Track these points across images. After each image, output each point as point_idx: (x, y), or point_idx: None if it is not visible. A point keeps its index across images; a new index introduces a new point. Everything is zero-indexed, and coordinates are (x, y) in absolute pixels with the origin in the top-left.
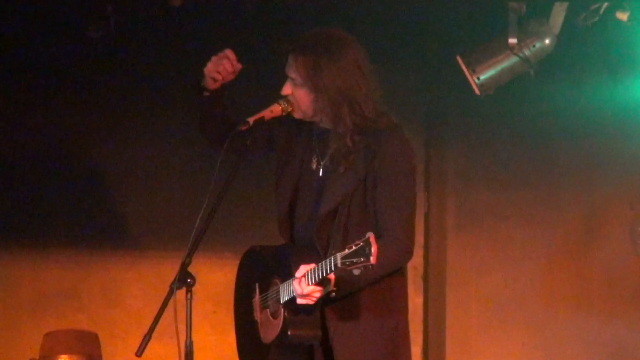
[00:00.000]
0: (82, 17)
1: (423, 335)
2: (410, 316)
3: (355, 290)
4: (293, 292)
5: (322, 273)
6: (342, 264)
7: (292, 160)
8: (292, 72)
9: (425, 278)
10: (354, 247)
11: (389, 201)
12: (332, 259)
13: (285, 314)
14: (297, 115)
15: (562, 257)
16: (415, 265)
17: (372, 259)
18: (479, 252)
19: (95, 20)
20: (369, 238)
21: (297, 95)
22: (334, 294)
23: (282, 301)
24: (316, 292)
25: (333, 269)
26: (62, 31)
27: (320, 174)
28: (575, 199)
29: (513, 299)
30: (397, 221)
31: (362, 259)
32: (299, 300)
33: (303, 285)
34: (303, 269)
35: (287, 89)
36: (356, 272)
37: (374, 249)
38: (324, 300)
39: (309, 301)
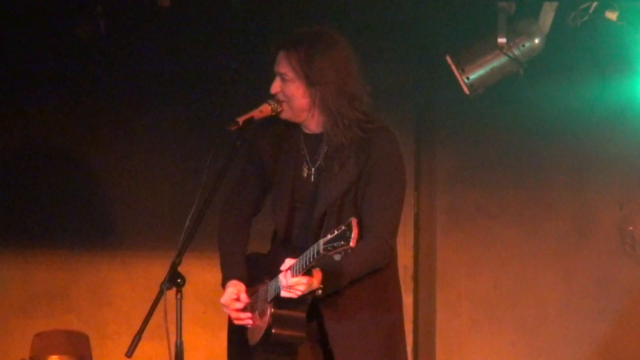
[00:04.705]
0: (72, 18)
1: (413, 335)
2: None
3: (340, 288)
4: (279, 288)
5: (307, 261)
6: (325, 249)
7: (282, 173)
8: (282, 68)
9: (415, 278)
10: (336, 232)
11: (379, 201)
12: (315, 245)
13: (272, 311)
14: (285, 115)
15: (552, 256)
16: (405, 265)
17: (352, 243)
18: (469, 252)
19: (85, 21)
20: (351, 222)
21: (287, 92)
22: (320, 291)
23: (269, 299)
24: (300, 284)
25: (316, 255)
26: (52, 32)
27: (312, 180)
28: (565, 199)
29: (503, 299)
30: (384, 221)
31: (342, 242)
32: (283, 293)
33: (288, 277)
34: (289, 262)
35: (275, 87)
36: (337, 257)
37: (354, 233)
38: (316, 301)
39: (292, 294)
